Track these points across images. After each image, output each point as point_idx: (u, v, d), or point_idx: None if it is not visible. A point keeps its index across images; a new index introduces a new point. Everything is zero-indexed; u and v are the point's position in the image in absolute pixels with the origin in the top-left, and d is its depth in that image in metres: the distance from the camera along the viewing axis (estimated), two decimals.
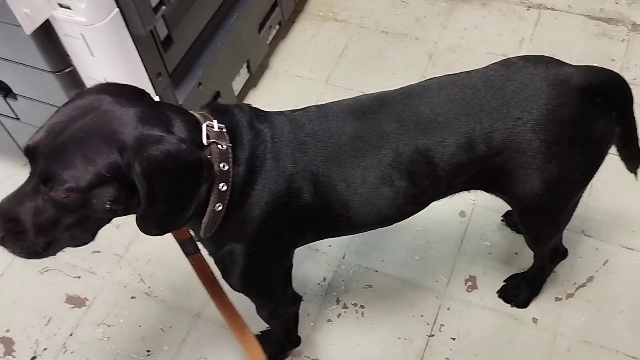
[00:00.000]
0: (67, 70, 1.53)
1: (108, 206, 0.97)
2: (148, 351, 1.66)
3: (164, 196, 0.97)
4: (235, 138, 1.09)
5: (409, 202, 1.21)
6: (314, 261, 1.77)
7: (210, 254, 1.23)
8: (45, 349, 1.70)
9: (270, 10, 2.19)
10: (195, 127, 1.04)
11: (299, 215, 1.16)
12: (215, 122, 1.06)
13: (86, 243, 1.06)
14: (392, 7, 2.43)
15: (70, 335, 1.72)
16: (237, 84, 2.11)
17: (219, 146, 1.05)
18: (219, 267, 1.23)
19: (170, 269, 1.80)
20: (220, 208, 1.07)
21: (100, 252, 1.86)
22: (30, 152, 0.98)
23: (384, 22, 2.38)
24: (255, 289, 1.28)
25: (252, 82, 2.23)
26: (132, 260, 1.84)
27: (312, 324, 1.66)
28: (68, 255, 1.87)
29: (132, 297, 1.77)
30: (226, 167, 1.05)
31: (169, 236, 1.83)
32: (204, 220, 1.09)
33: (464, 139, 1.14)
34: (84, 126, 0.95)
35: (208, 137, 1.04)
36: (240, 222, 1.12)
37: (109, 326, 1.72)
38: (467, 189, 1.28)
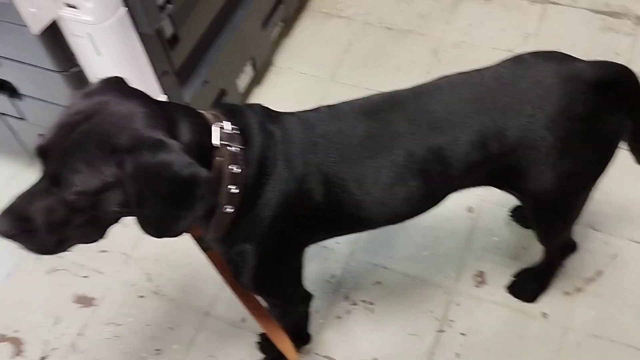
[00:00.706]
0: (73, 69, 1.52)
1: (116, 208, 0.97)
2: (157, 350, 1.66)
3: (153, 203, 0.96)
4: (247, 139, 1.08)
5: (422, 201, 1.20)
6: (323, 258, 1.77)
7: (222, 254, 1.23)
8: (54, 348, 1.70)
9: (274, 8, 2.18)
10: (204, 128, 1.03)
11: (310, 216, 1.16)
12: (226, 123, 1.06)
13: (96, 241, 1.06)
14: (396, 4, 2.42)
15: (79, 334, 1.72)
16: (242, 81, 2.10)
17: (231, 148, 1.04)
18: (230, 267, 1.22)
19: (178, 267, 1.80)
20: (230, 210, 1.07)
21: (108, 252, 1.85)
22: (42, 153, 0.97)
23: (388, 19, 2.38)
24: (266, 289, 1.28)
25: (256, 80, 2.22)
26: (140, 259, 1.84)
27: (321, 321, 1.66)
28: (75, 254, 1.86)
29: (140, 296, 1.77)
30: (237, 170, 1.05)
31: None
32: (213, 222, 1.08)
33: (477, 137, 1.13)
34: (89, 130, 0.94)
35: (220, 139, 1.03)
36: (251, 223, 1.11)
37: (117, 325, 1.72)
38: (479, 185, 1.27)
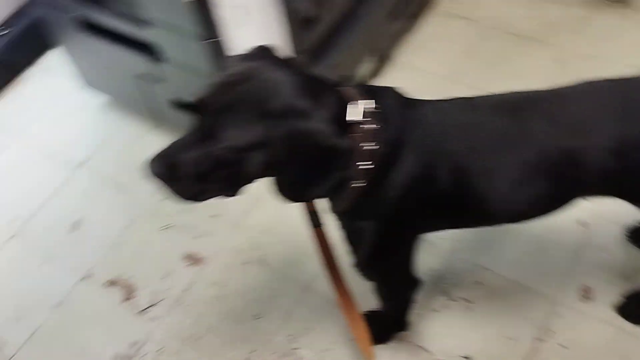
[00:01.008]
0: (215, 39, 1.60)
1: (259, 168, 1.03)
2: (257, 315, 1.73)
3: (294, 168, 1.03)
4: (383, 119, 1.11)
5: (548, 203, 1.20)
6: (425, 251, 1.77)
7: (341, 228, 1.27)
8: (162, 299, 1.81)
9: (403, 2, 2.21)
10: (343, 103, 1.07)
11: (433, 203, 1.18)
12: (367, 102, 1.10)
13: (232, 196, 1.12)
14: (526, 10, 2.39)
15: (186, 290, 1.82)
16: (362, 71, 2.14)
17: (367, 125, 1.08)
18: (347, 242, 1.27)
19: (284, 240, 1.87)
20: (359, 185, 1.10)
21: (220, 216, 1.95)
22: (199, 106, 1.05)
23: (515, 24, 2.35)
24: (379, 268, 1.31)
25: (375, 71, 2.26)
26: (249, 227, 1.91)
27: (418, 311, 1.67)
28: (189, 216, 1.97)
29: (246, 263, 1.84)
30: (371, 147, 1.08)
31: (286, 209, 1.91)
32: (340, 195, 1.12)
33: (617, 145, 1.10)
34: (246, 92, 1.01)
35: (357, 116, 1.07)
36: (375, 202, 1.14)
37: (222, 287, 1.81)
38: (608, 195, 1.25)
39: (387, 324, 1.57)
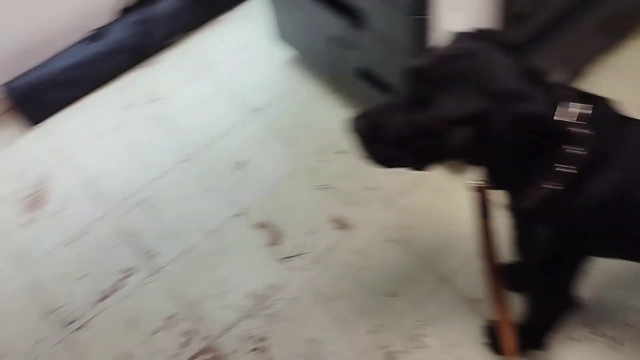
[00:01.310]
0: (425, 16, 1.61)
1: (462, 144, 1.02)
2: (391, 293, 1.75)
3: (495, 152, 1.02)
4: (594, 127, 1.06)
5: None
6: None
7: (515, 227, 1.24)
8: (304, 253, 1.88)
9: (613, 19, 2.09)
10: (560, 100, 1.05)
11: (620, 226, 1.12)
12: (583, 106, 1.06)
13: (419, 170, 1.14)
14: None
15: (327, 250, 1.87)
16: (554, 79, 2.06)
17: (577, 129, 1.04)
18: (516, 243, 1.24)
19: (433, 228, 1.86)
20: (553, 187, 1.07)
21: (377, 190, 1.98)
22: (416, 73, 1.06)
23: None
24: (543, 275, 1.27)
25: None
26: (401, 207, 1.93)
27: (557, 335, 1.61)
28: (346, 182, 2.02)
29: (390, 240, 1.86)
30: (577, 152, 1.05)
31: (444, 197, 1.89)
32: (529, 193, 1.10)
33: None
34: (467, 68, 1.02)
35: (570, 117, 1.04)
36: (562, 208, 1.10)
37: (362, 257, 1.84)
38: None
39: (525, 337, 1.52)
